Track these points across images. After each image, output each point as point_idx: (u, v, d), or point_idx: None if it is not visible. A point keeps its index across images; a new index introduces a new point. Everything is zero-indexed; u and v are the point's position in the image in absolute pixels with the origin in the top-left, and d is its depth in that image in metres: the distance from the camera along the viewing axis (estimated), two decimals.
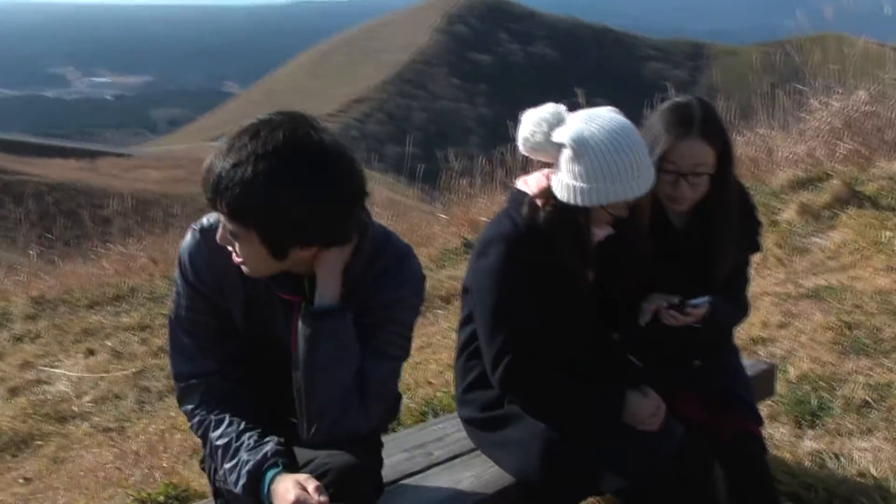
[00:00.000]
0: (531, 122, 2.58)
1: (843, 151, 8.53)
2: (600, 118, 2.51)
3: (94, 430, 5.42)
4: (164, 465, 4.30)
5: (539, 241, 2.62)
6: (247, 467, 2.06)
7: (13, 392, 6.11)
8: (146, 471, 4.25)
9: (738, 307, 3.05)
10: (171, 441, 4.85)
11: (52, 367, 6.50)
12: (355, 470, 2.06)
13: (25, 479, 4.84)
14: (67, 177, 41.44)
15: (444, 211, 9.72)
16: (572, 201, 2.52)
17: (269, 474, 2.03)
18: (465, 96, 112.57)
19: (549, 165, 2.70)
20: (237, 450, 2.11)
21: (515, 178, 8.69)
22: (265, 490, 2.02)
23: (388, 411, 2.35)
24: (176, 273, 2.29)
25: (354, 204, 2.11)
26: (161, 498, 3.58)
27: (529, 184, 2.73)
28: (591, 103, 2.70)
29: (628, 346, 2.96)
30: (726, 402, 2.94)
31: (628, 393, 2.68)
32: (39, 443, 5.32)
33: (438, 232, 8.98)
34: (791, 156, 8.70)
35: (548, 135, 2.55)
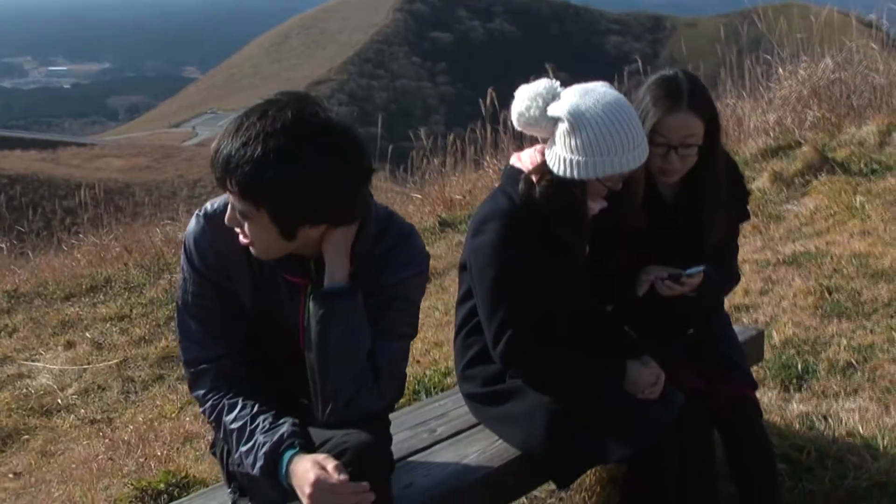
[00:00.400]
0: (526, 98, 2.60)
1: (811, 119, 8.65)
2: (595, 92, 2.54)
3: (81, 422, 5.39)
4: (158, 453, 4.29)
5: (536, 217, 2.64)
6: (263, 449, 2.07)
7: None
8: (140, 460, 4.25)
9: (730, 275, 3.10)
10: (160, 430, 4.85)
11: (32, 360, 6.44)
12: (373, 448, 2.08)
13: (15, 473, 4.81)
14: (29, 168, 40.93)
15: (418, 190, 9.72)
16: (568, 175, 2.54)
17: (287, 455, 2.04)
18: (426, 75, 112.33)
19: (538, 141, 2.73)
20: (252, 432, 2.12)
21: (487, 156, 8.64)
22: (283, 471, 2.04)
23: (398, 390, 2.36)
24: (181, 259, 2.28)
25: (363, 180, 2.12)
26: (161, 486, 3.57)
27: (523, 160, 2.75)
28: (556, 79, 2.72)
29: (623, 318, 2.99)
30: (722, 368, 2.99)
31: (628, 363, 2.72)
32: (26, 437, 5.28)
33: (413, 211, 8.98)
34: (761, 125, 8.80)
35: (543, 110, 2.57)
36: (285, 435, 2.07)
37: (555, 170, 2.58)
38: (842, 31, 10.22)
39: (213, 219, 2.24)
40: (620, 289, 2.92)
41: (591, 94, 2.54)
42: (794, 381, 4.09)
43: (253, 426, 2.13)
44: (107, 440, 4.78)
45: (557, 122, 2.55)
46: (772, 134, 8.51)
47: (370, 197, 2.24)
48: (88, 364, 6.16)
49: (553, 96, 2.58)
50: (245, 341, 2.29)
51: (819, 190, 6.90)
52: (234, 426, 2.16)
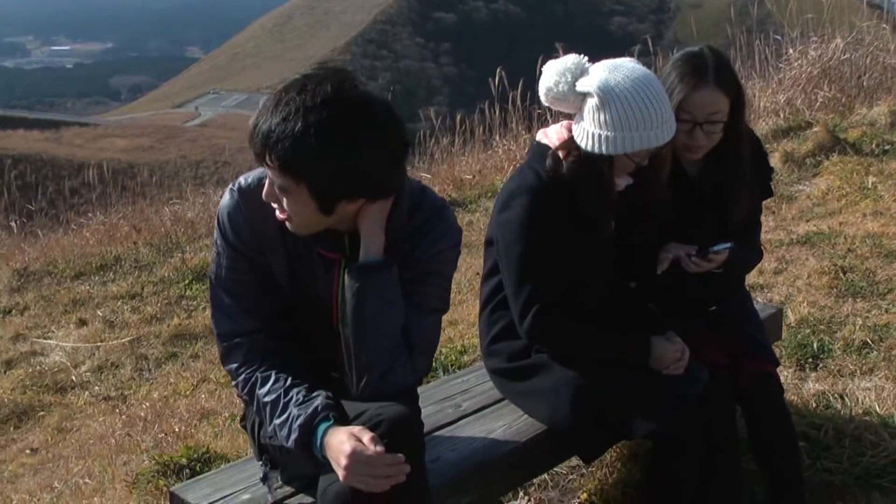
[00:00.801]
0: (555, 73, 2.60)
1: (822, 99, 8.62)
2: (624, 68, 2.54)
3: (95, 399, 5.42)
4: (176, 429, 4.32)
5: (563, 192, 2.65)
6: (298, 421, 2.08)
7: (9, 364, 6.09)
8: (159, 436, 4.27)
9: (753, 252, 3.11)
10: (176, 406, 4.88)
11: (44, 338, 6.47)
12: (408, 420, 2.10)
13: (32, 449, 4.85)
14: (32, 148, 40.91)
15: (427, 170, 9.71)
16: (597, 150, 2.55)
17: (322, 427, 2.05)
18: (429, 55, 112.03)
19: (560, 118, 2.73)
20: (286, 405, 2.13)
21: (497, 136, 8.61)
22: (318, 443, 2.05)
23: (428, 364, 2.38)
24: (216, 233, 2.29)
25: (401, 154, 2.13)
26: (183, 460, 3.59)
27: (550, 136, 2.75)
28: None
29: (646, 294, 3.01)
30: (744, 345, 3.00)
31: (653, 339, 2.73)
32: (42, 413, 5.32)
33: None
34: (770, 105, 8.77)
35: (572, 84, 2.57)
36: (319, 407, 2.08)
37: (583, 145, 2.58)
38: (849, 12, 10.19)
39: (247, 193, 2.24)
40: (643, 265, 2.93)
41: (620, 69, 2.54)
42: (810, 360, 4.10)
43: (287, 399, 2.14)
44: (123, 416, 4.81)
45: (586, 97, 2.55)
46: (782, 115, 8.49)
47: (405, 172, 2.25)
48: (101, 342, 6.19)
49: (581, 72, 2.58)
50: (278, 315, 2.31)
51: (830, 171, 6.88)
52: (267, 399, 2.17)
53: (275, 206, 2.15)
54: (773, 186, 3.26)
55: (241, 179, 2.28)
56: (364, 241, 2.17)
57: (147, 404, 4.99)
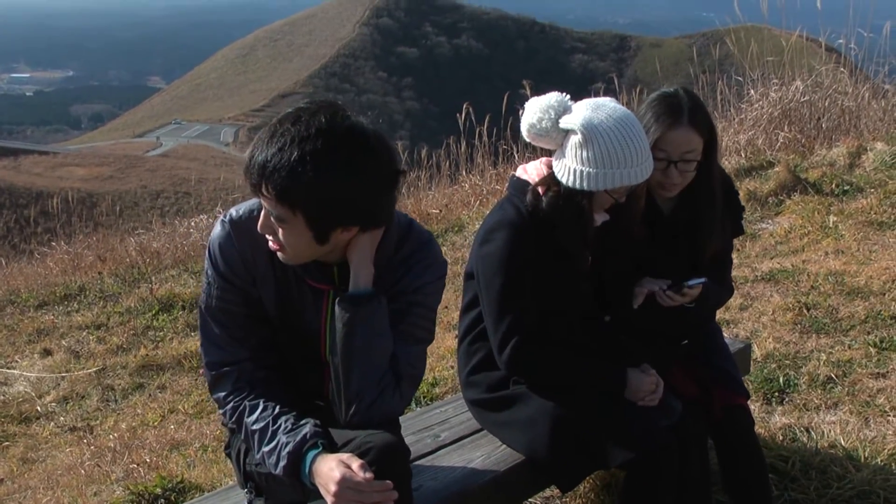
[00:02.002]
0: (538, 110, 2.67)
1: (782, 140, 8.82)
2: (606, 107, 2.63)
3: (61, 429, 5.37)
4: (147, 459, 4.29)
5: (542, 226, 2.71)
6: (287, 449, 2.11)
7: None
8: (130, 466, 4.25)
9: (725, 288, 3.18)
10: (144, 437, 4.85)
11: (8, 368, 6.40)
12: (396, 447, 2.13)
13: None
14: None
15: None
16: (578, 185, 2.61)
17: (310, 455, 2.08)
18: (392, 90, 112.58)
19: (544, 153, 2.80)
20: (275, 433, 2.16)
21: (463, 170, 8.66)
22: (306, 470, 2.08)
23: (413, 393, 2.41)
24: (206, 263, 2.31)
25: (395, 182, 2.18)
26: (157, 490, 3.58)
27: (529, 172, 2.82)
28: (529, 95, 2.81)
29: (620, 327, 3.07)
30: (716, 377, 3.07)
31: (629, 371, 2.79)
32: (6, 444, 5.26)
33: None
34: (732, 145, 8.95)
35: (555, 121, 2.64)
36: (308, 435, 2.11)
37: (564, 181, 2.65)
38: (810, 56, 10.44)
39: (238, 224, 2.28)
40: (617, 299, 3.00)
41: (602, 108, 2.62)
42: (776, 394, 4.19)
43: (275, 427, 2.16)
44: (91, 447, 4.77)
45: (569, 133, 2.63)
46: (744, 154, 8.67)
47: (395, 201, 2.30)
48: (66, 372, 6.14)
49: (564, 109, 2.66)
50: (268, 345, 2.33)
51: (793, 209, 7.04)
52: (255, 427, 2.20)
53: (269, 237, 2.18)
54: (743, 224, 3.34)
55: (233, 211, 2.31)
56: (353, 272, 2.21)
57: (115, 435, 4.95)
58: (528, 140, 2.76)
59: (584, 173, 2.59)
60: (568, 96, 2.70)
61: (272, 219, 2.12)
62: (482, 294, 2.79)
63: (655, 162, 2.81)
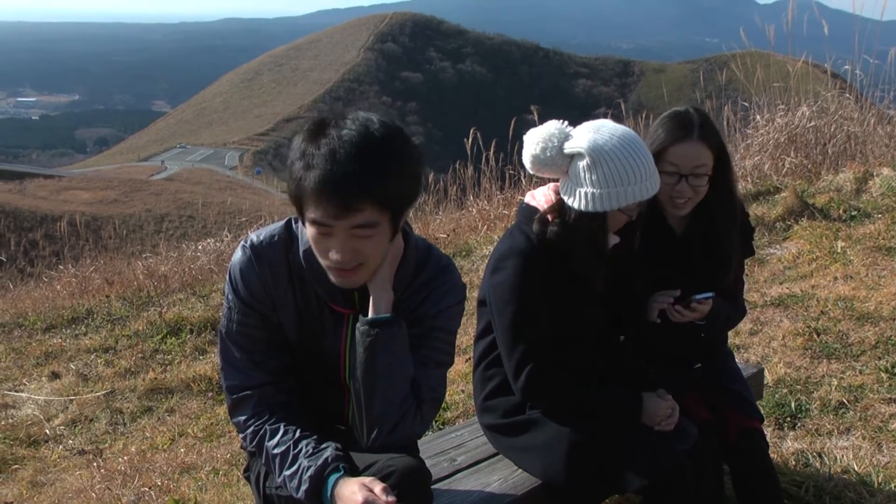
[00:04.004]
0: (539, 140, 2.69)
1: (788, 165, 8.85)
2: (607, 127, 2.66)
3: (70, 452, 5.36)
4: (158, 483, 4.28)
5: (553, 253, 2.72)
6: (308, 472, 2.11)
7: None
8: (142, 489, 4.24)
9: (737, 309, 3.19)
10: (154, 460, 4.84)
11: (16, 391, 6.40)
12: (418, 471, 2.14)
13: (6, 503, 4.78)
14: None
15: None
16: (591, 208, 2.63)
17: (332, 478, 2.08)
18: (396, 114, 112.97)
19: (543, 182, 2.83)
20: (296, 457, 2.16)
21: (471, 195, 8.70)
22: (328, 494, 2.08)
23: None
24: (226, 288, 2.32)
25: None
26: None
27: (538, 198, 2.84)
28: (541, 119, 2.84)
29: (635, 348, 3.08)
30: (730, 401, 3.08)
31: (645, 395, 2.80)
32: (15, 467, 5.24)
33: None
34: (738, 170, 8.97)
35: (559, 149, 2.67)
36: (329, 459, 2.12)
37: (577, 206, 2.66)
38: (815, 83, 10.48)
39: (258, 250, 2.28)
40: (631, 319, 3.01)
41: (603, 129, 2.65)
42: (788, 419, 4.18)
43: (296, 451, 2.17)
44: (102, 471, 4.76)
45: (574, 159, 2.65)
46: (750, 179, 8.70)
47: (409, 228, 2.32)
48: (75, 395, 6.13)
49: (565, 136, 2.68)
50: (288, 369, 2.34)
51: (800, 235, 7.06)
52: (276, 451, 2.20)
53: (346, 265, 2.13)
54: (754, 245, 3.36)
55: (253, 236, 2.32)
56: (374, 296, 2.23)
57: (124, 458, 4.94)
58: (532, 172, 2.78)
59: (598, 195, 2.61)
60: (566, 122, 2.73)
61: (360, 231, 2.08)
62: (495, 322, 2.80)
63: (667, 176, 2.86)
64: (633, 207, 2.69)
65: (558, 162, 2.69)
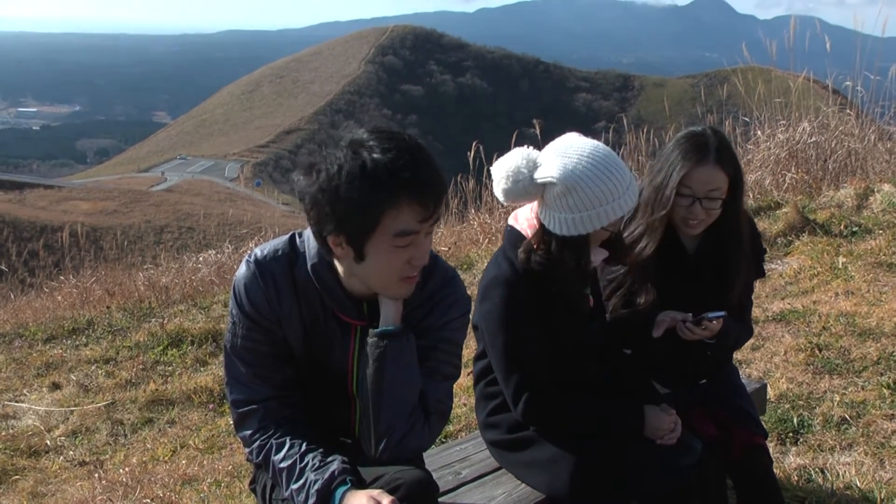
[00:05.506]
0: (509, 173, 2.61)
1: (789, 181, 8.86)
2: (573, 148, 2.58)
3: (71, 463, 5.35)
4: (160, 494, 4.28)
5: (538, 278, 2.70)
6: (316, 486, 2.11)
7: None
8: (144, 501, 4.24)
9: (745, 328, 3.20)
10: (155, 472, 4.83)
11: (16, 401, 6.39)
12: (426, 484, 2.14)
13: None
14: None
15: None
16: (572, 232, 2.59)
17: (339, 491, 2.08)
18: (396, 127, 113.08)
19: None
20: (303, 470, 2.16)
21: (472, 208, 8.69)
22: None
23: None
24: (231, 303, 2.31)
25: None
26: None
27: (520, 221, 2.80)
28: (540, 134, 2.80)
29: (641, 362, 3.08)
30: (734, 417, 3.08)
31: (647, 409, 2.80)
32: (16, 477, 5.23)
33: None
34: None
35: (530, 178, 2.60)
36: (336, 472, 2.12)
37: (557, 231, 2.62)
38: (816, 98, 10.52)
39: (263, 264, 2.28)
40: (638, 334, 3.01)
41: (570, 151, 2.57)
42: (790, 434, 4.18)
43: (303, 464, 2.17)
44: (103, 482, 4.75)
45: (547, 187, 2.59)
46: (751, 194, 8.71)
47: None
48: (75, 406, 6.13)
49: (534, 164, 2.61)
50: (293, 383, 2.34)
51: (801, 250, 7.07)
52: (283, 465, 2.20)
53: (413, 270, 2.18)
54: (764, 266, 3.35)
55: (257, 251, 2.31)
56: (383, 308, 2.23)
57: (125, 469, 4.94)
58: (507, 204, 2.74)
59: (576, 219, 2.57)
60: (531, 148, 2.67)
61: (434, 228, 2.15)
62: (489, 350, 2.79)
63: (681, 199, 2.86)
64: (614, 223, 2.66)
65: (531, 191, 2.62)
